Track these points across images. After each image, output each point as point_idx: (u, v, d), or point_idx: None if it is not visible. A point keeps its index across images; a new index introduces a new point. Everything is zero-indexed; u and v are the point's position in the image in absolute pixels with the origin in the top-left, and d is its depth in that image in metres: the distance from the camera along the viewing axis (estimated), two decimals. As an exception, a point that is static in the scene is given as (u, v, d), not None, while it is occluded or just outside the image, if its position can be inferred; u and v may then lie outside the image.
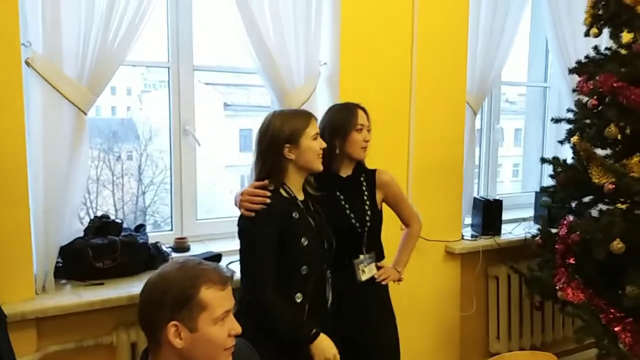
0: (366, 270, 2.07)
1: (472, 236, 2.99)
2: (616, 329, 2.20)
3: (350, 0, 2.47)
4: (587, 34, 2.55)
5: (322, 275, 1.88)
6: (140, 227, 2.32)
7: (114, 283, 2.07)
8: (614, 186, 2.23)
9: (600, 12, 2.48)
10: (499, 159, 3.43)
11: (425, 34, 2.66)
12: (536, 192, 3.19)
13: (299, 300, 1.77)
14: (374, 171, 2.13)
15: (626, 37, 2.46)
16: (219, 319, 1.25)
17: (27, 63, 1.87)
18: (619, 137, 2.35)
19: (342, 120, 2.03)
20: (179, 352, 1.23)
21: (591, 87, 2.41)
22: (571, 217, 2.48)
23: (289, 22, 2.31)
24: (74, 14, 1.91)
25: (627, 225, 2.19)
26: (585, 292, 2.32)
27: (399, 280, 2.19)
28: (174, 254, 2.28)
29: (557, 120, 2.67)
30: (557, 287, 2.38)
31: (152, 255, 2.19)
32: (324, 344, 1.76)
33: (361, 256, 2.07)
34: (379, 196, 2.11)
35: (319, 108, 2.37)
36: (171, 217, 2.51)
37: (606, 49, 2.55)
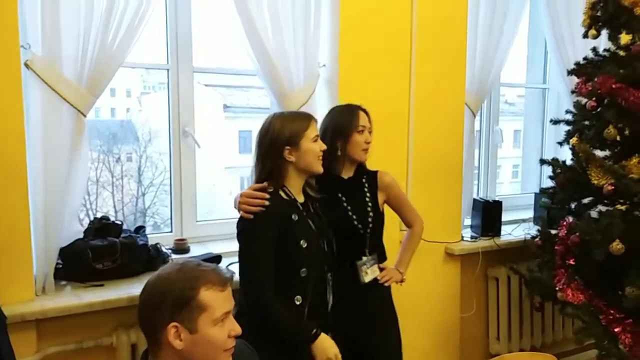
0: (369, 272, 2.07)
1: (472, 237, 2.99)
2: (616, 329, 2.20)
3: (349, 2, 2.47)
4: (585, 36, 2.55)
5: (322, 277, 1.86)
6: (140, 229, 2.32)
7: (114, 284, 2.07)
8: (613, 187, 2.23)
9: (599, 14, 2.48)
10: (498, 160, 3.44)
11: (424, 35, 2.67)
12: (535, 194, 3.19)
13: (298, 303, 1.76)
14: (375, 172, 2.13)
15: (625, 38, 2.47)
16: (218, 320, 1.25)
17: (26, 65, 1.87)
18: (618, 138, 2.35)
19: (344, 121, 2.03)
20: (179, 353, 1.23)
21: (590, 88, 2.41)
22: (571, 218, 2.48)
23: (288, 24, 2.31)
24: (73, 16, 1.92)
25: (626, 227, 2.20)
26: (585, 293, 2.32)
27: (402, 281, 2.19)
28: (173, 256, 2.28)
29: (556, 122, 2.67)
30: (557, 288, 2.38)
31: (151, 257, 2.19)
32: (325, 344, 1.75)
33: (364, 258, 2.06)
34: (380, 198, 2.12)
35: (318, 110, 2.37)
36: (171, 218, 2.51)
37: (605, 50, 2.55)
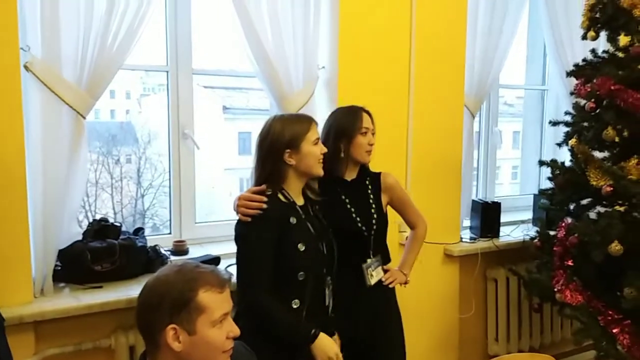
0: (374, 274, 2.06)
1: (471, 238, 2.99)
2: (614, 330, 2.20)
3: (348, 4, 2.47)
4: (584, 37, 2.56)
5: (321, 281, 1.84)
6: (139, 230, 2.32)
7: (113, 286, 2.07)
8: (611, 188, 2.24)
9: (598, 16, 2.49)
10: (497, 162, 3.44)
11: (423, 37, 2.67)
12: (534, 195, 3.19)
13: (295, 307, 1.74)
14: (378, 174, 2.13)
15: (623, 40, 2.47)
16: (217, 322, 1.25)
17: (25, 67, 1.87)
18: (617, 139, 2.36)
19: (347, 123, 2.02)
20: (178, 355, 1.23)
21: (589, 90, 2.42)
22: (569, 220, 2.48)
23: (287, 26, 2.31)
24: (72, 18, 1.92)
25: (625, 228, 2.20)
26: (583, 294, 2.32)
27: (406, 282, 2.19)
28: (172, 257, 2.28)
29: (555, 123, 2.68)
30: (556, 289, 2.38)
31: (150, 259, 2.19)
32: (325, 343, 1.74)
33: (368, 260, 2.05)
34: (384, 199, 2.12)
35: (318, 111, 2.37)
36: (170, 220, 2.51)
37: (603, 52, 2.56)
